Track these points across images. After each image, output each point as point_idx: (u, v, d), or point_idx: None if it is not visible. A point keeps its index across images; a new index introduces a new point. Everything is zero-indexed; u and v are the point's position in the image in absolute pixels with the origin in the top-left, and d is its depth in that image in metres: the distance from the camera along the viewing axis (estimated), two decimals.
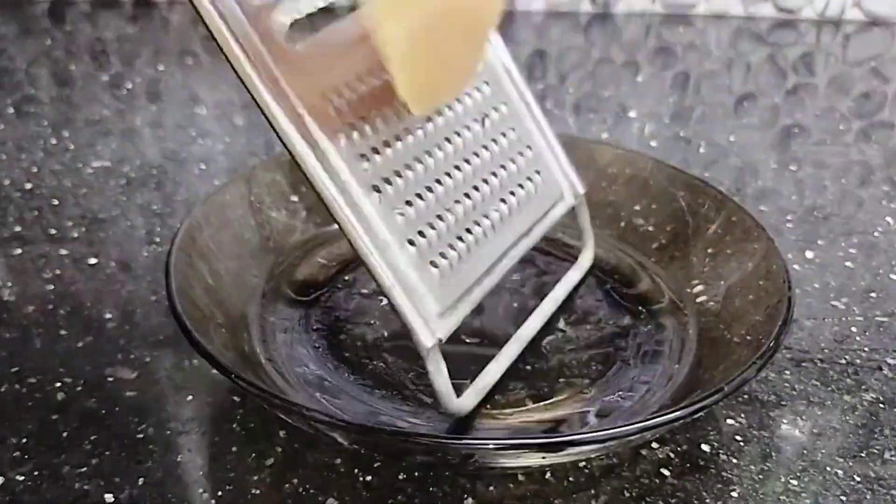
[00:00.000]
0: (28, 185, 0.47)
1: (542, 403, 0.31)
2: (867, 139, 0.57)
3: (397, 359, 0.33)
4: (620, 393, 0.32)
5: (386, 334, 0.34)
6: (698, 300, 0.36)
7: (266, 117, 0.25)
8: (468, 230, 0.30)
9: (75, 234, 0.42)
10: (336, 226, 0.26)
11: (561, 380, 0.32)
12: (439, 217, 0.29)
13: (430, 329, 0.27)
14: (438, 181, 0.29)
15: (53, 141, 0.52)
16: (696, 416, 0.27)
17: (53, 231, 0.42)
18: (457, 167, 0.30)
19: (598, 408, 0.31)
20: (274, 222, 0.39)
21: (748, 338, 0.31)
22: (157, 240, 0.42)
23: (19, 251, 0.41)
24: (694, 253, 0.38)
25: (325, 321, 0.35)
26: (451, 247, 0.29)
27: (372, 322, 0.35)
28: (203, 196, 0.38)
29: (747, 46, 0.76)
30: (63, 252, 0.41)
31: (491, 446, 0.25)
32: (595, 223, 0.39)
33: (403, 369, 0.32)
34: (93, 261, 0.40)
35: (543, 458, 0.27)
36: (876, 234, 0.45)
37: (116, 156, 0.51)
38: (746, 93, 0.65)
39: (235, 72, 0.25)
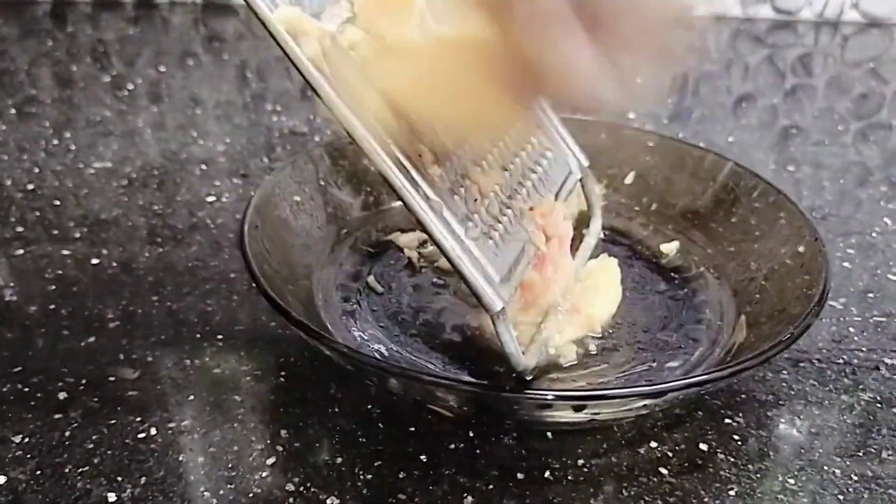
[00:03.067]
0: (30, 186, 0.47)
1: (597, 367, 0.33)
2: (865, 140, 0.58)
3: (443, 321, 0.36)
4: (671, 352, 0.34)
5: (433, 304, 0.37)
6: (737, 275, 0.38)
7: (347, 131, 0.27)
8: (507, 207, 0.32)
9: (77, 235, 0.42)
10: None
11: (612, 342, 0.34)
12: (481, 196, 0.31)
13: (498, 294, 0.28)
14: (475, 163, 0.31)
15: (55, 142, 0.52)
16: (760, 365, 0.29)
17: (55, 231, 0.43)
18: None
19: (652, 365, 0.33)
20: (337, 199, 0.41)
21: (788, 301, 0.33)
22: (159, 240, 0.42)
23: (21, 251, 0.41)
24: (729, 226, 0.40)
25: (381, 286, 0.38)
26: (496, 222, 0.31)
27: (421, 290, 0.38)
28: (274, 171, 0.40)
29: (746, 47, 0.76)
30: (65, 252, 0.41)
31: (582, 396, 0.28)
32: (635, 201, 0.43)
33: (449, 330, 0.35)
34: (95, 261, 0.40)
35: (614, 412, 0.29)
36: (874, 234, 0.45)
37: (118, 156, 0.51)
38: (745, 94, 0.65)
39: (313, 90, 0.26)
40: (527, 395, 0.28)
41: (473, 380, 0.32)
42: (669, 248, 0.40)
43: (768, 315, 0.33)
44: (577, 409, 0.28)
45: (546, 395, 0.28)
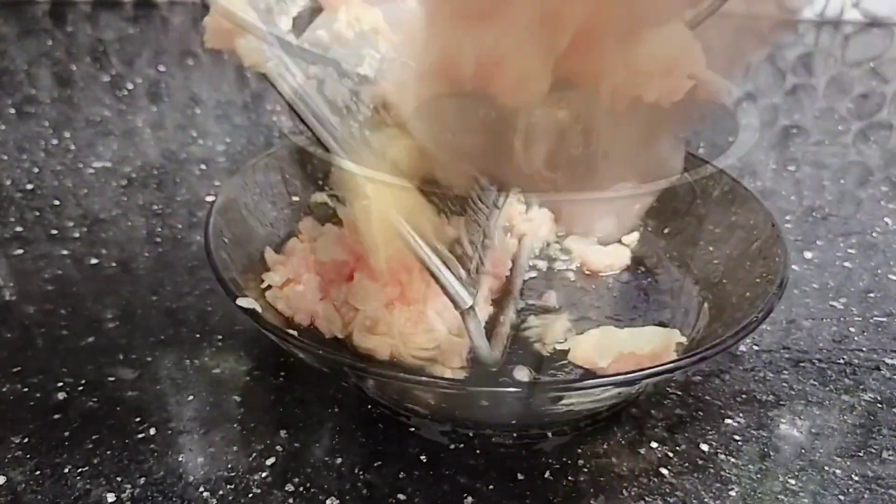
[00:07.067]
0: (29, 186, 0.47)
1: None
2: (866, 140, 0.58)
3: None
4: None
5: None
6: (698, 263, 0.38)
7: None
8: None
9: (76, 235, 0.42)
10: None
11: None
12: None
13: (467, 291, 0.29)
14: None
15: (54, 141, 0.52)
16: (714, 355, 0.29)
17: (54, 231, 0.43)
18: None
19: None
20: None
21: (747, 294, 0.33)
22: (158, 240, 0.42)
23: (20, 251, 0.41)
24: (692, 220, 0.40)
25: None
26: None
27: None
28: (239, 168, 0.40)
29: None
30: (64, 252, 0.41)
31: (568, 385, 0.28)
32: None
33: None
34: (94, 261, 0.40)
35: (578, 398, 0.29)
36: (874, 234, 0.45)
37: (117, 156, 0.51)
38: (746, 93, 0.65)
39: None
40: (492, 387, 0.29)
41: (452, 377, 0.31)
42: (630, 238, 0.41)
43: (731, 303, 0.34)
44: (554, 400, 0.28)
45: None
